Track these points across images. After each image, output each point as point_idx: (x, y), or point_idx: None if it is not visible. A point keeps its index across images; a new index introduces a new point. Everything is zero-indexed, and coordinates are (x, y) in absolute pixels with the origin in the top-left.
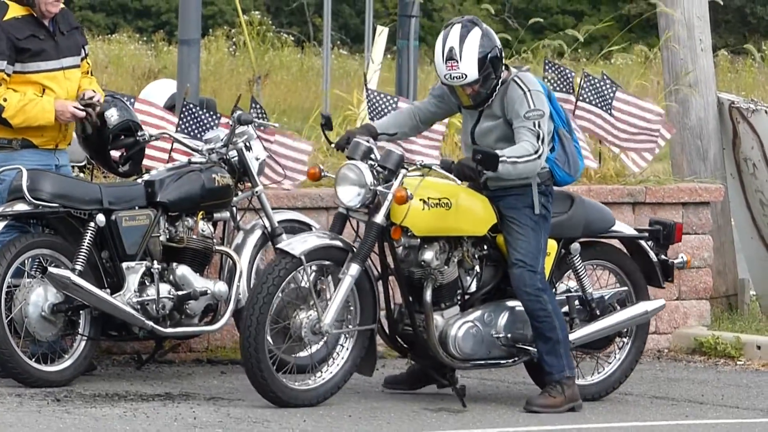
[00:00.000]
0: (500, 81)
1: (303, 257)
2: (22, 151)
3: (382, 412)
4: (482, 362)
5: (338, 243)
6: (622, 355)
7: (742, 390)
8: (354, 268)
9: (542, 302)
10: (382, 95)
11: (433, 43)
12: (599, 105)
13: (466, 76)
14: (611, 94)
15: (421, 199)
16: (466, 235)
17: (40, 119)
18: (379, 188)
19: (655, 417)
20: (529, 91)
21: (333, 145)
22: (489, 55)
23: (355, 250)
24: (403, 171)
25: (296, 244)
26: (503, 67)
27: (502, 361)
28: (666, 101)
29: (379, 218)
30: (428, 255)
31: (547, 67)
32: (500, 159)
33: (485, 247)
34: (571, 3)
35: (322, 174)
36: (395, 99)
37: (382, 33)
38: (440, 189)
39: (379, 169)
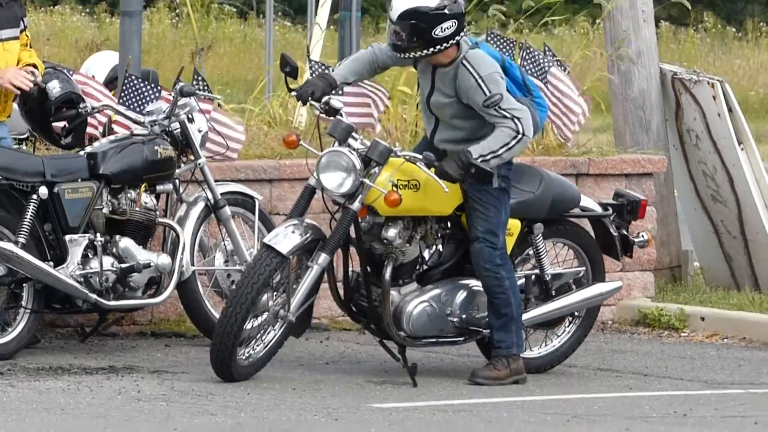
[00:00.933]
0: (440, 48)
1: (290, 256)
2: None
3: (326, 385)
4: (433, 340)
5: (317, 236)
6: (570, 331)
7: (686, 362)
8: (323, 258)
9: (499, 278)
10: (323, 66)
11: (376, 14)
12: (537, 75)
13: (395, 12)
14: (548, 66)
15: (390, 181)
16: (431, 215)
17: None
18: (367, 181)
19: (599, 389)
20: (480, 77)
21: (292, 93)
22: (420, 10)
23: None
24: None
25: (282, 241)
26: (450, 40)
27: (452, 340)
28: (608, 72)
29: (356, 205)
30: (391, 233)
31: (489, 38)
32: (484, 157)
33: (449, 225)
34: None
35: (300, 143)
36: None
37: (325, 3)
38: (409, 170)
39: (365, 158)
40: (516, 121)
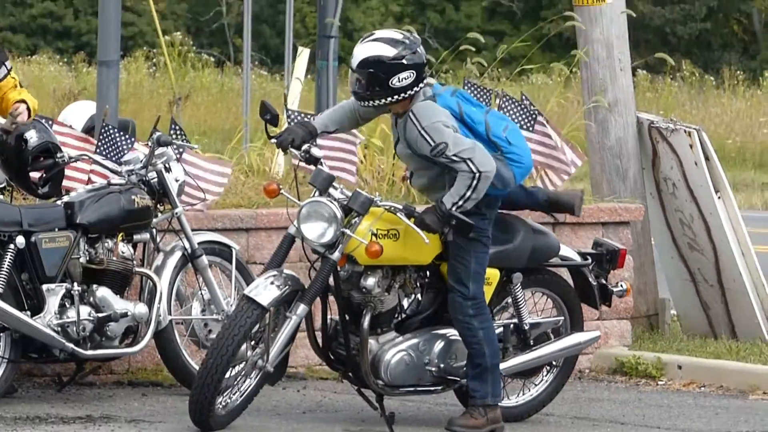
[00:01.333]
0: (397, 98)
1: (270, 308)
2: None
3: None
4: (411, 389)
5: (296, 287)
6: (548, 380)
7: (663, 410)
8: (301, 309)
9: (472, 329)
10: (301, 114)
11: None
12: (522, 125)
13: (355, 60)
14: (534, 114)
15: (370, 231)
16: (410, 264)
17: None
18: (348, 231)
19: None
20: (422, 128)
21: (272, 140)
22: (379, 59)
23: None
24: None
25: (262, 293)
26: (408, 90)
27: (430, 389)
28: (585, 120)
29: (336, 255)
30: (370, 282)
31: (466, 87)
32: (457, 204)
33: (428, 274)
34: (492, 23)
35: (280, 191)
36: (313, 117)
37: (303, 53)
38: (389, 220)
39: (346, 209)
40: (468, 162)
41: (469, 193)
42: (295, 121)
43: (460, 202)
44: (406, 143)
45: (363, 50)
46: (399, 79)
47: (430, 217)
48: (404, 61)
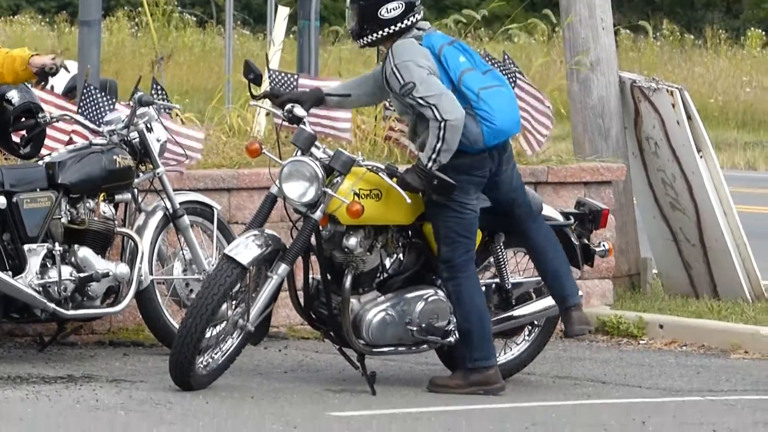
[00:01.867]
0: (388, 31)
1: (250, 267)
2: None
3: (285, 394)
4: (392, 349)
5: (277, 246)
6: (530, 340)
7: (644, 369)
8: (283, 269)
9: (447, 291)
10: (283, 74)
11: (336, 23)
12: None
13: None
14: (514, 75)
15: (353, 191)
16: (392, 224)
17: None
18: (329, 191)
19: (557, 397)
20: (395, 65)
21: (253, 100)
22: None
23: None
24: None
25: (243, 252)
26: (398, 22)
27: (412, 348)
28: (567, 80)
29: (317, 215)
30: (352, 241)
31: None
32: (431, 158)
33: (410, 234)
34: None
35: (262, 151)
36: (295, 76)
37: (281, 13)
38: (372, 180)
39: (328, 168)
40: (433, 109)
41: (439, 145)
42: (279, 81)
43: (434, 156)
44: (386, 83)
45: None
46: (387, 9)
47: (410, 176)
48: None
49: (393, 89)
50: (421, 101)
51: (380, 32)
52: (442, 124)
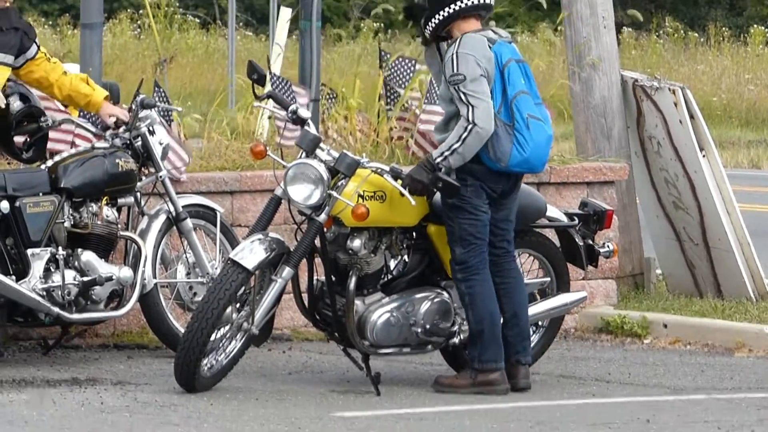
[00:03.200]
0: (448, 13)
1: (255, 271)
2: None
3: (289, 395)
4: (396, 350)
5: (281, 250)
6: (534, 340)
7: (648, 368)
8: (287, 272)
9: (461, 292)
10: (284, 82)
11: (338, 23)
12: None
13: None
14: None
15: (357, 193)
16: (397, 225)
17: None
18: (334, 193)
19: (562, 396)
20: (456, 53)
21: (257, 101)
22: None
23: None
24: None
25: (248, 256)
26: (442, 14)
27: (416, 349)
28: (569, 80)
29: (322, 217)
30: (356, 243)
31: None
32: (443, 154)
33: (414, 235)
34: None
35: (267, 153)
36: (293, 90)
37: (283, 15)
38: (376, 182)
39: (333, 170)
40: (469, 109)
41: (457, 145)
42: (279, 86)
43: (447, 154)
44: (444, 66)
45: None
46: None
47: (417, 170)
48: None
49: (445, 74)
50: (463, 96)
51: (451, 7)
52: (470, 127)
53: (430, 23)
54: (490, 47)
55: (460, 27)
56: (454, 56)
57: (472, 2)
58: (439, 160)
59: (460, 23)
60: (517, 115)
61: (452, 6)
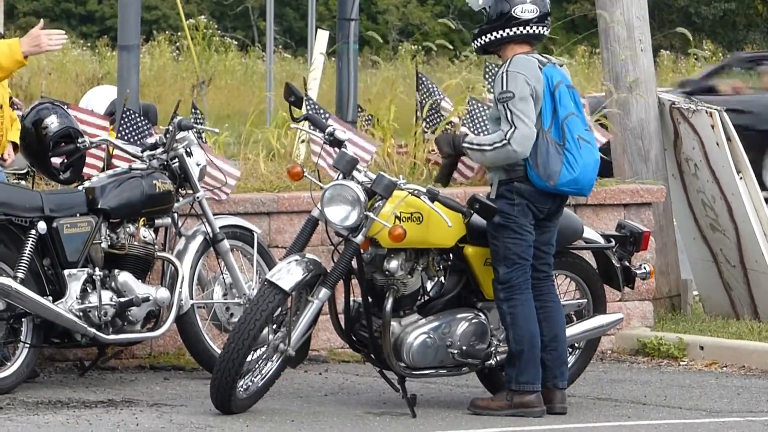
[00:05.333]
0: (509, 34)
1: (292, 292)
2: None
3: (325, 417)
4: (433, 371)
5: (318, 271)
6: (571, 362)
7: (685, 390)
8: (323, 293)
9: (502, 312)
10: (317, 107)
11: (376, 44)
12: None
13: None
14: None
15: (394, 214)
16: (433, 247)
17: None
18: (371, 215)
19: (598, 418)
20: (506, 71)
21: (294, 124)
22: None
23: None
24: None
25: (285, 277)
26: (525, 27)
27: (452, 371)
28: (606, 102)
29: (359, 238)
30: (393, 264)
31: (487, 69)
32: (472, 146)
33: (451, 257)
34: None
35: (304, 174)
36: (327, 115)
37: (320, 37)
38: (413, 203)
39: (370, 192)
40: (510, 127)
41: (487, 149)
42: (313, 111)
43: (475, 147)
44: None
45: None
46: (522, 9)
47: (445, 138)
48: None
49: (494, 92)
50: (509, 114)
51: (507, 31)
52: (504, 143)
53: (483, 38)
54: (540, 68)
55: (514, 49)
56: (505, 74)
57: (530, 32)
58: (465, 146)
59: (514, 46)
60: (568, 135)
61: (511, 30)
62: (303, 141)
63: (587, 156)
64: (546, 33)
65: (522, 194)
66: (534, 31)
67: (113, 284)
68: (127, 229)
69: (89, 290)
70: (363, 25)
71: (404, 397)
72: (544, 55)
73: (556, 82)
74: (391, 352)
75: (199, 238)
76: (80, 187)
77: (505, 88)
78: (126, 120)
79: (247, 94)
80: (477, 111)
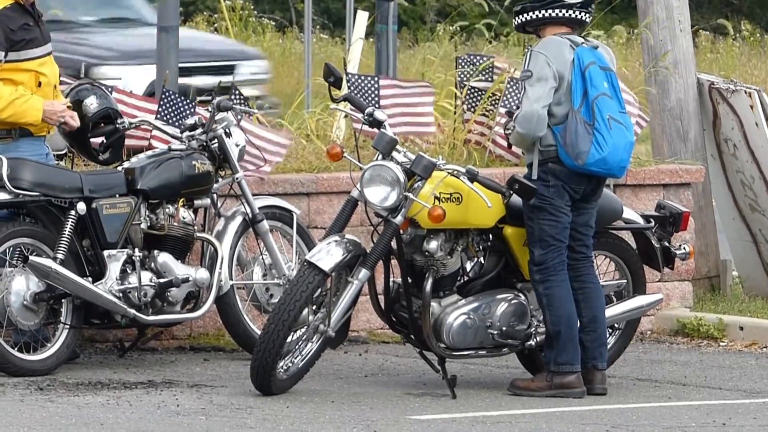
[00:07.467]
0: (550, 15)
1: (332, 273)
2: (20, 140)
3: (365, 398)
4: (472, 352)
5: (358, 252)
6: (610, 343)
7: (725, 371)
8: (363, 273)
9: (538, 294)
10: (362, 77)
11: (415, 26)
12: None
13: None
14: None
15: (433, 195)
16: (473, 227)
17: (28, 116)
18: (410, 195)
19: (638, 399)
20: (533, 50)
21: (333, 104)
22: None
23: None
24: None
25: (324, 258)
26: (567, 10)
27: (492, 351)
28: (645, 83)
29: (398, 219)
30: (433, 245)
31: (526, 50)
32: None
33: (491, 237)
34: None
35: (344, 155)
36: (376, 78)
37: (360, 17)
38: (452, 184)
39: (409, 172)
40: (520, 108)
41: (509, 131)
42: (358, 84)
43: (507, 130)
44: None
45: None
46: None
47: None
48: None
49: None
50: (522, 93)
51: (549, 11)
52: (515, 124)
53: (524, 15)
54: (573, 49)
55: (552, 31)
56: (529, 54)
57: (571, 16)
58: (507, 132)
59: (553, 28)
60: (598, 115)
61: (553, 11)
62: (346, 116)
63: (618, 137)
64: (587, 20)
65: (557, 175)
66: (575, 15)
67: (153, 265)
68: (167, 210)
69: (129, 271)
70: (401, 6)
71: (444, 378)
72: (585, 38)
73: (587, 63)
74: (431, 333)
75: (239, 219)
76: (119, 168)
77: (526, 68)
78: (166, 100)
79: (284, 75)
80: (515, 92)
